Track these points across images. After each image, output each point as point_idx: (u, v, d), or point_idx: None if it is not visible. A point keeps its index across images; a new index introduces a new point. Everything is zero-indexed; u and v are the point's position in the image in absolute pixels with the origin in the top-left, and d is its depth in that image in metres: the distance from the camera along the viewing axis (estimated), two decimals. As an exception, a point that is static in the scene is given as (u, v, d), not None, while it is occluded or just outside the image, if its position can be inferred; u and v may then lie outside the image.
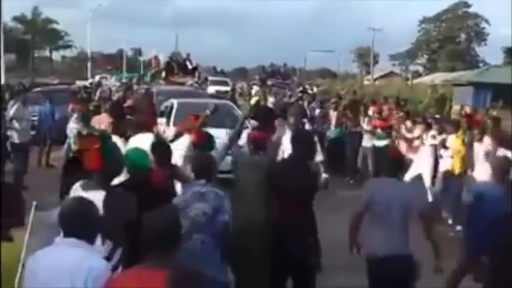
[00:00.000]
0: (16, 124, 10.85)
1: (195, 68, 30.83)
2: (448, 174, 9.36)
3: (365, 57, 67.19)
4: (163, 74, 29.37)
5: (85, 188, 3.72)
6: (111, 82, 39.30)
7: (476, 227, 5.08)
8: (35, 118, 13.36)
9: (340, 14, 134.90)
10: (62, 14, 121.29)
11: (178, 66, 30.15)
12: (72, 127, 9.46)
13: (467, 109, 13.85)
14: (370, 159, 12.06)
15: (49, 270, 2.87)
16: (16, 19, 62.57)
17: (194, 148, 5.84)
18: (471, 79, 27.56)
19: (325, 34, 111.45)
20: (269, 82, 35.30)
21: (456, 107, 19.33)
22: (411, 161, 10.31)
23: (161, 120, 11.33)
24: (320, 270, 5.09)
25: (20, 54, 61.07)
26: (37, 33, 64.02)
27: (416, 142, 10.64)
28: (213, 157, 4.97)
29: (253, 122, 6.19)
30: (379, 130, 11.99)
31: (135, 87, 25.51)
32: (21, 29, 64.35)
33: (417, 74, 57.69)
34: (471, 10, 63.75)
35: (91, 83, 33.79)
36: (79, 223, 2.95)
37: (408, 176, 9.98)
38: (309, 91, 27.52)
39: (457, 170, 9.06)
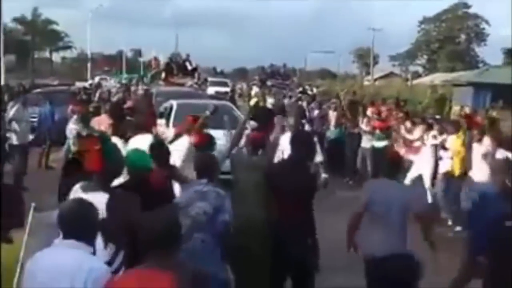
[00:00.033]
0: (15, 126, 10.81)
1: (194, 69, 30.83)
2: (448, 175, 9.35)
3: (365, 57, 67.19)
4: (163, 75, 29.37)
5: (85, 189, 3.71)
6: (111, 83, 39.31)
7: (476, 228, 5.08)
8: (35, 119, 13.35)
9: (340, 15, 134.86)
10: (62, 15, 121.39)
11: (177, 67, 30.13)
12: (72, 128, 9.48)
13: (467, 110, 13.82)
14: (369, 160, 12.06)
15: (49, 271, 2.87)
16: (16, 20, 62.48)
17: (195, 149, 5.85)
18: (471, 80, 27.48)
19: (325, 34, 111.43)
20: (268, 83, 35.22)
21: (455, 108, 19.27)
22: (411, 162, 10.29)
23: (161, 121, 11.32)
24: (318, 270, 5.09)
25: (20, 55, 61.06)
26: (37, 34, 63.94)
27: (417, 143, 10.63)
28: (216, 157, 5.00)
29: (252, 123, 6.19)
30: (378, 131, 11.98)
31: (132, 88, 25.48)
32: (21, 30, 64.26)
33: (416, 75, 57.65)
34: (471, 10, 63.83)
35: (90, 84, 33.88)
36: (78, 225, 2.95)
37: (409, 177, 10.00)
38: (309, 92, 27.54)
39: (457, 172, 9.03)
